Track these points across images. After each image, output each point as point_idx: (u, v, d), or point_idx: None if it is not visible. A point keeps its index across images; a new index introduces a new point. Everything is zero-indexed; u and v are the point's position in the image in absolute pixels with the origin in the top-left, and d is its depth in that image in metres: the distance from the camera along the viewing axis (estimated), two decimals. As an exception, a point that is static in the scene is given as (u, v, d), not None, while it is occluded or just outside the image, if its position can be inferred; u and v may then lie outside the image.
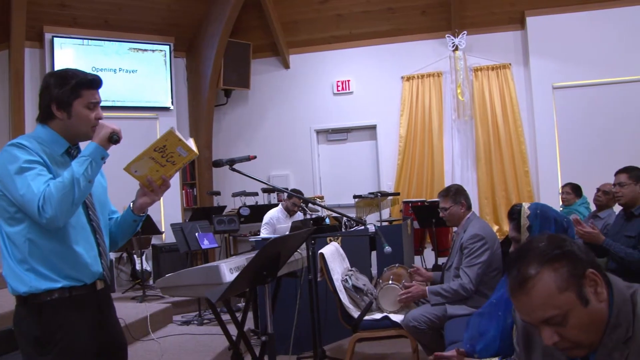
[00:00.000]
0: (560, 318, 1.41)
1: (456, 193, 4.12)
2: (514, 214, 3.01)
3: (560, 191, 7.18)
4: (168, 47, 8.68)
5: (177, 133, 2.26)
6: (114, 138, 2.20)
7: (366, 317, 4.05)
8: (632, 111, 8.23)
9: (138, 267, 7.28)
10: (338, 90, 9.31)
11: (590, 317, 1.42)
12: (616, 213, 5.06)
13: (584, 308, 1.41)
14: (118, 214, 2.51)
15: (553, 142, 8.51)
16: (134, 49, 8.40)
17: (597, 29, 8.32)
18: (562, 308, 1.40)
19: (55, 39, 7.83)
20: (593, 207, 6.91)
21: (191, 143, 2.30)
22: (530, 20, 8.59)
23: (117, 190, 3.28)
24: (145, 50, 8.51)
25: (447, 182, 8.33)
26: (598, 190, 5.79)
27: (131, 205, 2.39)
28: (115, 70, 8.23)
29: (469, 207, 4.14)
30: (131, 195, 2.42)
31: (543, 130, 8.53)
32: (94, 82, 2.25)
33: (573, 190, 6.96)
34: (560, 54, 8.44)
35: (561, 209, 6.88)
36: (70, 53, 7.93)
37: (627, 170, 4.25)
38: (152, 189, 2.31)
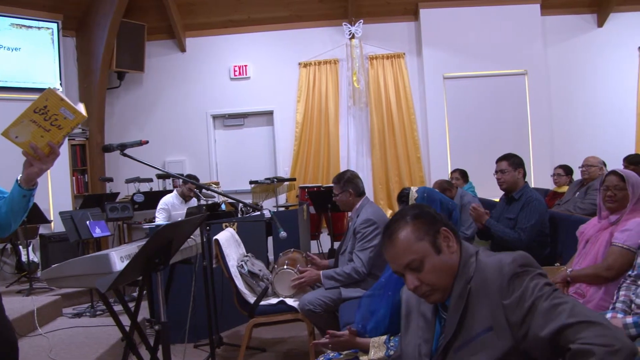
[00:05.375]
0: (417, 263, 1.74)
1: (346, 181, 4.21)
2: (403, 197, 3.14)
3: (449, 177, 7.54)
4: (56, 24, 8.22)
5: (59, 93, 2.10)
6: None
7: (262, 302, 4.08)
8: (515, 101, 8.85)
9: (24, 258, 6.88)
10: (235, 75, 9.24)
11: (442, 264, 1.75)
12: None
13: (437, 255, 1.74)
14: (7, 194, 2.30)
15: (443, 130, 8.91)
16: (17, 24, 7.86)
17: (486, 23, 8.83)
18: (419, 253, 1.73)
19: None
20: (478, 191, 7.35)
21: (80, 107, 2.15)
22: (423, 12, 8.93)
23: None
24: (30, 27, 7.99)
25: (343, 168, 8.52)
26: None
27: (18, 179, 2.20)
28: (-6, 47, 7.69)
29: (359, 194, 4.23)
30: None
31: (434, 118, 8.92)
32: None
33: (461, 176, 7.34)
34: (451, 45, 8.86)
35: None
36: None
37: (507, 157, 4.53)
38: (39, 157, 2.13)
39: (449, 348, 1.74)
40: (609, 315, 2.71)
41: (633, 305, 2.70)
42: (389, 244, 1.79)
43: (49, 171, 7.86)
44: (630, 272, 2.87)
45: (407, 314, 2.01)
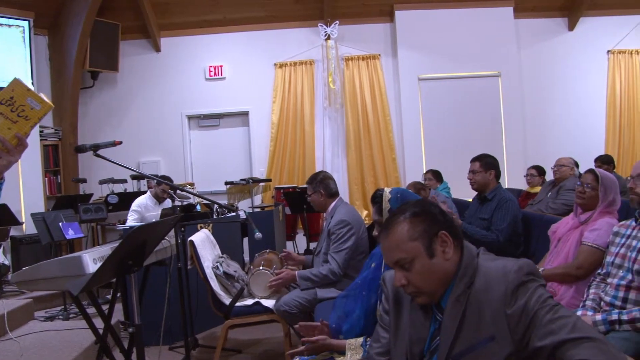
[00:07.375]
0: (407, 262, 1.69)
1: (319, 182, 4.24)
2: (376, 198, 3.14)
3: (423, 177, 7.60)
4: (27, 22, 8.07)
5: (25, 83, 2.04)
6: None
7: (238, 304, 4.07)
8: (488, 103, 8.96)
9: (-6, 261, 6.77)
10: (210, 76, 9.20)
11: (433, 269, 1.69)
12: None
13: (428, 259, 1.69)
14: None
15: (418, 131, 8.98)
16: (-13, 22, 7.73)
17: (460, 26, 8.94)
18: (409, 253, 1.68)
19: None
20: (453, 192, 7.41)
21: (43, 95, 2.12)
22: (399, 14, 9.00)
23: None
24: (0, 24, 7.85)
25: (318, 169, 8.53)
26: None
27: None
28: (-38, 45, 7.53)
29: (331, 195, 4.25)
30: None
31: (409, 119, 8.99)
32: None
33: (434, 176, 7.40)
34: (426, 47, 8.95)
35: (425, 193, 7.28)
36: None
37: (479, 158, 4.58)
38: (7, 150, 2.04)
39: (448, 355, 1.67)
40: (579, 312, 2.76)
41: (602, 303, 2.75)
42: (384, 235, 1.76)
43: (20, 172, 7.68)
44: (599, 271, 2.93)
45: (396, 299, 1.91)
